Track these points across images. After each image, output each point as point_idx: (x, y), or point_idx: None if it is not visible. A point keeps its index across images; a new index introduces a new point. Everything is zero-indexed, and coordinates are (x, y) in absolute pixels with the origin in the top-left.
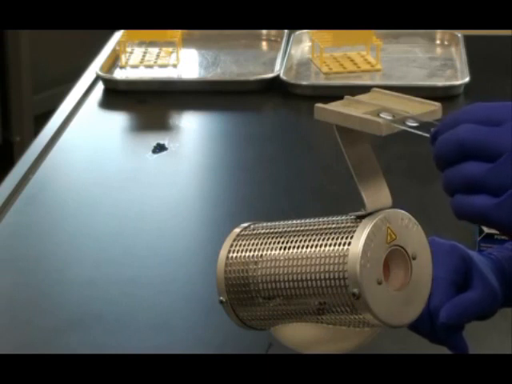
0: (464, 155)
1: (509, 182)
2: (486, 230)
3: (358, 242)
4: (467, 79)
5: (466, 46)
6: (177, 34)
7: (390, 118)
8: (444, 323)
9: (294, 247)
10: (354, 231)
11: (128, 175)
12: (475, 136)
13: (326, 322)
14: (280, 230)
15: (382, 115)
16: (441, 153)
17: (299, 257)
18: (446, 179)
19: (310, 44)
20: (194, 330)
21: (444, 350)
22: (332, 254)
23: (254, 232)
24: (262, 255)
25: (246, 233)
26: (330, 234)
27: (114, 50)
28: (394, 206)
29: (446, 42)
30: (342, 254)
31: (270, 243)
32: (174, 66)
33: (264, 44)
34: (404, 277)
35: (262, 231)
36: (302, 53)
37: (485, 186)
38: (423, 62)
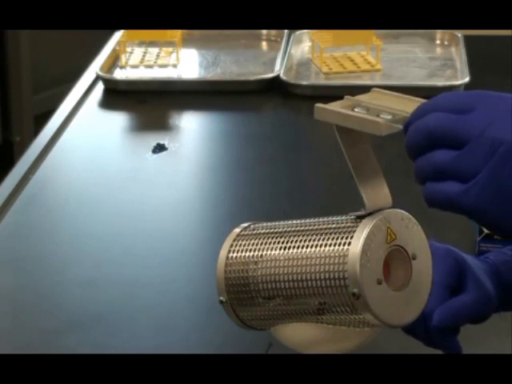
0: (433, 143)
1: (475, 169)
2: (485, 230)
3: (357, 242)
4: (467, 79)
5: (466, 46)
6: (177, 34)
7: (364, 112)
8: (436, 326)
9: (294, 247)
10: (354, 231)
11: (128, 175)
12: (443, 124)
13: (326, 322)
14: (280, 230)
15: (356, 110)
16: (411, 142)
17: (299, 257)
18: (416, 168)
19: (310, 44)
20: (194, 330)
21: None
22: (332, 254)
23: (254, 232)
24: (262, 255)
25: (245, 233)
26: (330, 234)
27: (114, 50)
28: (394, 206)
29: (446, 42)
30: (341, 253)
31: (270, 243)
32: (174, 66)
33: (264, 44)
34: (404, 277)
35: (262, 231)
36: (302, 53)
37: (453, 173)
38: (423, 62)
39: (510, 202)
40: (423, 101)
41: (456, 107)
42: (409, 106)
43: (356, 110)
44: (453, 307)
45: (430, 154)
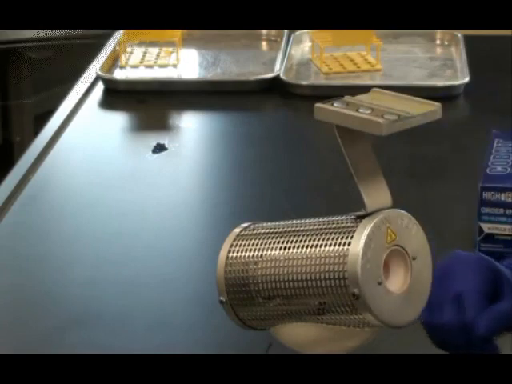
0: None
1: None
2: (485, 230)
3: (357, 242)
4: (467, 79)
5: (466, 46)
6: (177, 34)
7: (365, 112)
8: (482, 335)
9: (294, 247)
10: (354, 231)
11: (128, 175)
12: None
13: (326, 322)
14: (280, 230)
15: (356, 110)
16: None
17: (299, 257)
18: None
19: (309, 44)
20: (194, 330)
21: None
22: (332, 254)
23: (254, 232)
24: (261, 255)
25: (245, 233)
26: (330, 234)
27: (114, 50)
28: (394, 206)
29: (446, 42)
30: (342, 254)
31: (269, 243)
32: (174, 66)
33: (264, 44)
34: (404, 277)
35: (262, 231)
36: (302, 53)
37: None
38: (423, 62)
39: None
40: (423, 101)
41: None
42: (409, 106)
43: (356, 110)
44: (495, 315)
45: None
